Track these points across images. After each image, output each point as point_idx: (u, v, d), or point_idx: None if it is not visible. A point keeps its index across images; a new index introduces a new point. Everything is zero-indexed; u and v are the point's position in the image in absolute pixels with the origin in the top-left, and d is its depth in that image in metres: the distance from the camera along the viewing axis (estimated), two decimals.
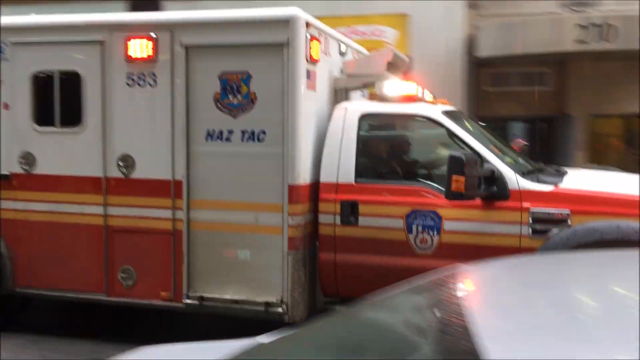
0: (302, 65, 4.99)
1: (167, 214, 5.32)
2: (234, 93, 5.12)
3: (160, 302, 5.34)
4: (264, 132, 5.08)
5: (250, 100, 5.09)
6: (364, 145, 5.26)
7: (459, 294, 1.79)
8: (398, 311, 2.03)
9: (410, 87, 5.30)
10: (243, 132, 5.12)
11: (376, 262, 5.05)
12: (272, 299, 5.06)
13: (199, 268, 5.24)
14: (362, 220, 5.07)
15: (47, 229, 5.59)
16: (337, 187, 5.15)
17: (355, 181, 5.13)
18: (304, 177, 5.07)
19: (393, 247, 5.01)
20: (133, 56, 5.28)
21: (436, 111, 5.18)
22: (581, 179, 5.18)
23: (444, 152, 5.12)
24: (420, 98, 5.46)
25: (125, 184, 5.41)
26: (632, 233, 4.53)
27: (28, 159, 5.62)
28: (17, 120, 5.63)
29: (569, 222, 4.67)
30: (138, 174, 5.37)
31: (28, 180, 5.63)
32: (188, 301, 5.24)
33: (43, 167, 5.60)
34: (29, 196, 5.64)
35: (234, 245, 5.16)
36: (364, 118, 5.26)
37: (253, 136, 5.10)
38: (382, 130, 5.64)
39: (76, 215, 5.52)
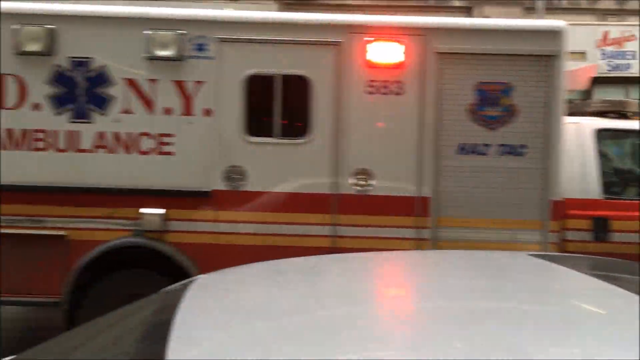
0: (563, 78, 4.88)
1: (410, 233, 4.89)
2: (492, 105, 4.86)
3: None
4: (524, 146, 4.87)
5: (511, 112, 4.86)
6: (604, 161, 5.24)
7: (181, 301, 1.77)
8: (138, 312, 1.98)
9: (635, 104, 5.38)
10: (501, 146, 4.87)
11: None
12: None
13: None
14: (613, 236, 5.03)
15: (256, 254, 4.87)
16: (585, 203, 5.07)
17: (603, 197, 5.09)
18: (562, 193, 4.93)
19: None
20: (376, 61, 4.82)
21: None
22: None
23: None
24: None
25: (360, 202, 4.89)
26: None
27: (236, 174, 4.87)
28: (222, 130, 4.86)
29: None
30: (376, 190, 4.88)
31: (235, 199, 4.88)
32: None
33: (255, 184, 4.89)
34: (235, 216, 4.88)
35: None
36: (600, 133, 5.25)
37: (512, 150, 4.87)
38: (617, 146, 5.64)
39: (296, 237, 4.87)
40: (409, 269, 2.19)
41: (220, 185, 4.87)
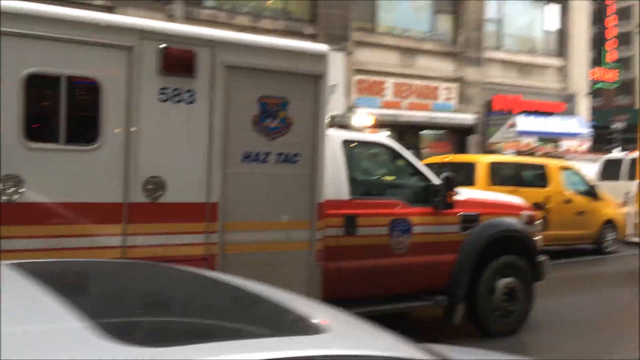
0: (327, 95, 5.60)
1: (200, 238, 5.03)
2: (272, 117, 5.30)
3: None
4: (297, 155, 5.43)
5: (287, 124, 5.37)
6: (349, 167, 6.13)
7: None
8: None
9: (370, 119, 6.44)
10: (279, 155, 5.35)
11: (368, 264, 6.05)
12: None
13: None
14: (359, 231, 5.99)
15: None
16: (338, 204, 5.91)
17: (351, 198, 6.00)
18: (324, 195, 5.65)
19: (380, 251, 6.12)
20: (168, 69, 4.81)
21: (390, 139, 6.50)
22: (470, 192, 7.29)
23: (403, 172, 6.52)
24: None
25: (151, 210, 4.83)
26: (508, 224, 6.94)
27: (12, 183, 4.34)
28: None
29: (479, 220, 6.74)
30: (168, 197, 4.89)
31: (12, 211, 4.34)
32: None
33: (36, 194, 4.42)
34: (12, 232, 4.35)
35: (267, 264, 5.30)
36: (345, 144, 6.14)
37: (288, 158, 5.39)
38: (356, 154, 6.51)
39: (84, 251, 4.58)
40: None
41: None
